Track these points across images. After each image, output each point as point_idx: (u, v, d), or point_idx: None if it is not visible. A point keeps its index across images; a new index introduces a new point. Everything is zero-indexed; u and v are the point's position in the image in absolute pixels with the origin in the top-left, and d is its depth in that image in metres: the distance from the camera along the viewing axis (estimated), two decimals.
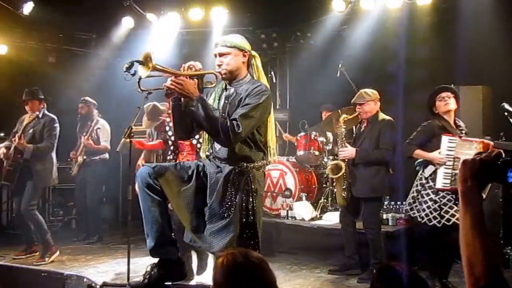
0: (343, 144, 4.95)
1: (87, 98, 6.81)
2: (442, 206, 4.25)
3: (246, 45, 3.31)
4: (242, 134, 3.00)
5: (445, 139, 4.20)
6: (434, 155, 4.28)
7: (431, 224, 4.30)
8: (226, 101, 3.22)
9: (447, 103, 4.32)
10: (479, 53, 6.31)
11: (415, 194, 4.43)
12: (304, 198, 6.24)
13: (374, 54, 7.30)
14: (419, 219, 4.37)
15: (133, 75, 3.09)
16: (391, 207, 5.75)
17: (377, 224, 5.07)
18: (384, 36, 7.17)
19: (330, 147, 6.70)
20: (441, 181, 4.19)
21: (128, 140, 4.51)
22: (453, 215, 4.21)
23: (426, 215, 4.31)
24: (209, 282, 4.49)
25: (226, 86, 3.30)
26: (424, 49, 6.85)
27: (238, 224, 3.08)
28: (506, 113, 4.31)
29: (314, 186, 6.47)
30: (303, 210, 6.04)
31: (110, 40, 8.19)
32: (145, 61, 3.03)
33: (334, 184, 5.18)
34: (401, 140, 7.15)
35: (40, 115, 5.67)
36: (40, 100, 5.76)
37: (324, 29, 7.66)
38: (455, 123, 4.39)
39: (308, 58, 8.01)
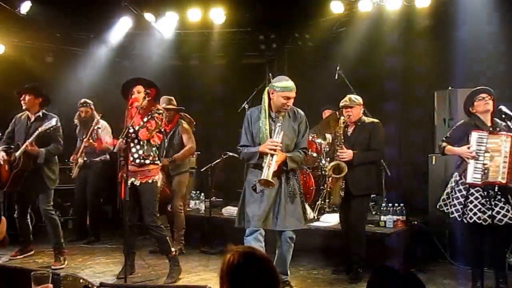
0: (341, 146, 5.00)
1: (88, 101, 6.75)
2: (468, 203, 4.34)
3: None
4: None
5: (474, 135, 4.31)
6: (462, 149, 4.38)
7: (459, 220, 4.42)
8: (280, 124, 4.32)
9: (487, 103, 4.40)
10: (477, 55, 6.33)
11: (449, 190, 4.56)
12: None
13: (372, 56, 7.31)
14: (450, 215, 4.51)
15: None
16: (389, 209, 5.74)
17: (365, 221, 5.20)
18: (382, 38, 7.18)
19: (329, 149, 6.69)
20: (471, 176, 4.28)
21: (125, 140, 4.52)
22: (475, 214, 4.30)
23: (457, 210, 4.43)
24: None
25: (270, 113, 4.42)
26: (422, 51, 6.87)
27: (300, 206, 4.40)
28: (503, 116, 4.33)
29: (311, 188, 6.45)
30: None
31: (108, 40, 8.17)
32: None
33: (330, 183, 5.21)
34: (397, 140, 7.21)
35: (41, 115, 5.48)
36: (36, 96, 5.49)
37: (322, 31, 7.67)
38: (492, 122, 4.42)
39: (306, 60, 8.02)
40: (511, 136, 4.21)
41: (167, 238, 4.98)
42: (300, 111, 4.52)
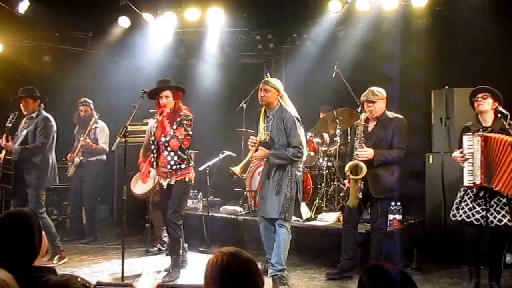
0: (361, 145, 4.73)
1: (88, 100, 6.75)
2: (461, 202, 4.35)
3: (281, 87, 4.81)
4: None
5: (464, 138, 4.32)
6: (455, 153, 4.40)
7: (454, 219, 4.40)
8: (268, 124, 4.73)
9: (480, 104, 4.34)
10: (474, 55, 6.34)
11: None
12: None
13: (369, 55, 7.32)
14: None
15: None
16: None
17: (387, 224, 5.05)
18: (380, 37, 7.19)
19: (326, 148, 6.70)
20: (466, 179, 4.28)
21: (123, 139, 4.54)
22: (465, 212, 4.30)
23: (451, 210, 4.46)
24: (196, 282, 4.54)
25: (266, 113, 4.79)
26: (419, 50, 6.87)
27: (284, 200, 4.58)
28: (499, 115, 4.33)
29: (309, 187, 6.45)
30: None
31: (106, 40, 8.17)
32: None
33: (348, 184, 5.00)
34: None
35: (34, 115, 5.45)
36: (34, 99, 5.48)
37: (319, 30, 7.67)
38: (494, 122, 4.32)
39: (303, 59, 8.02)
40: (480, 135, 4.18)
41: (181, 240, 5.03)
42: (288, 110, 4.71)
